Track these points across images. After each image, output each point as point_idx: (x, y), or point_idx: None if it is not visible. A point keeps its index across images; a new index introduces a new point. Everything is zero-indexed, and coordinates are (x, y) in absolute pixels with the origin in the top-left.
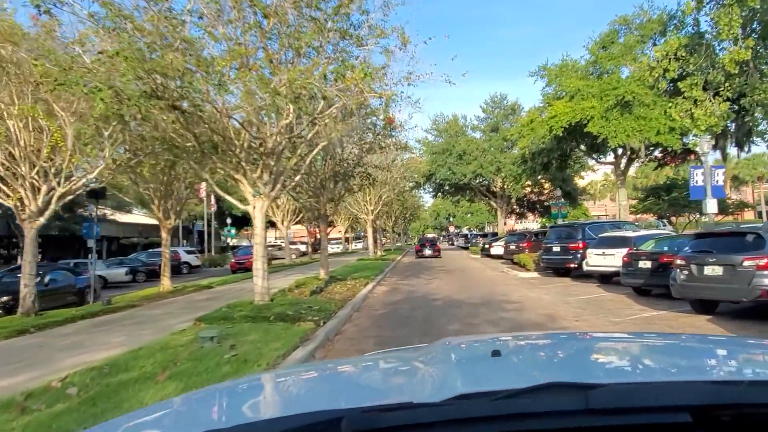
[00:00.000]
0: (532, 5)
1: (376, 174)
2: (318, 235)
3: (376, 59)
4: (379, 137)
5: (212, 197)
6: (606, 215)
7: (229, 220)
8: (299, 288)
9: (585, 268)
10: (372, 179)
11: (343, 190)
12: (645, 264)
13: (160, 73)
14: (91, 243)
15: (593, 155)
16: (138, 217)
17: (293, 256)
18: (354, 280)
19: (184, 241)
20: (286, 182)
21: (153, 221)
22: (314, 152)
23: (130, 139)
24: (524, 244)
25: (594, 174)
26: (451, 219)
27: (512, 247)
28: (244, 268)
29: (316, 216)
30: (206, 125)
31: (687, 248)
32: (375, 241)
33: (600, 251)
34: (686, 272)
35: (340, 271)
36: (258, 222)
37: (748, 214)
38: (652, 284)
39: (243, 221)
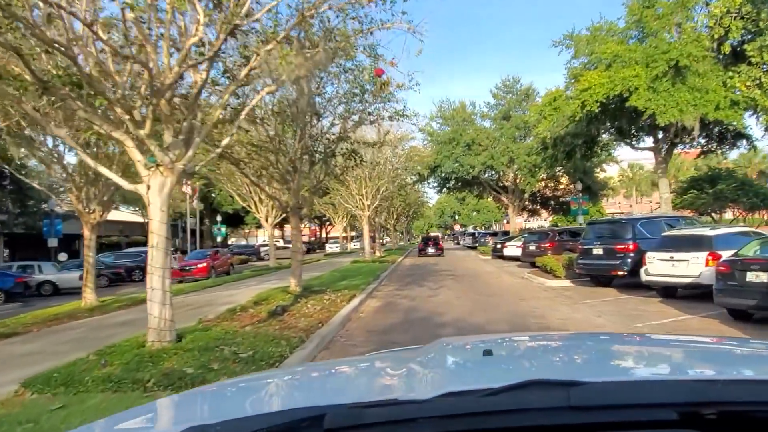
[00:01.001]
0: (536, 5)
1: (366, 152)
2: (319, 234)
3: None
4: (367, 100)
5: (196, 191)
6: (621, 213)
7: (219, 218)
8: (258, 306)
9: (644, 278)
10: (359, 158)
11: (322, 173)
12: (758, 277)
13: None
14: (52, 242)
15: (627, 140)
16: (120, 213)
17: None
18: (336, 292)
19: (178, 241)
20: (215, 147)
21: (136, 218)
22: (255, 100)
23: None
24: (546, 245)
25: (608, 168)
26: (457, 217)
27: (532, 248)
28: (191, 277)
29: (284, 208)
30: (31, 33)
31: None
32: (373, 241)
33: (666, 255)
34: None
35: (326, 277)
36: (155, 210)
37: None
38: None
39: (236, 219)
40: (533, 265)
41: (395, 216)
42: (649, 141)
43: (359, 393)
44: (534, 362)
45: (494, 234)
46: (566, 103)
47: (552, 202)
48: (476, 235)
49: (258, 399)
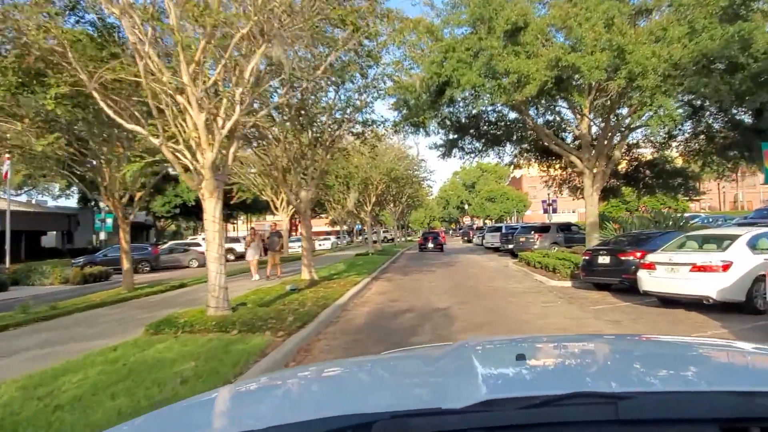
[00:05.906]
0: None
1: None
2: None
3: None
4: None
5: (4, 160)
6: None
7: (102, 203)
8: None
9: None
10: None
11: None
12: None
13: None
14: None
15: None
16: None
17: (230, 258)
18: None
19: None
20: None
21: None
22: None
23: None
24: None
25: None
26: (467, 207)
27: None
28: None
29: None
30: None
31: None
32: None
33: None
34: None
35: None
36: None
37: None
38: None
39: (193, 209)
40: None
41: (373, 198)
42: None
43: (394, 397)
44: (571, 369)
45: (543, 229)
46: None
47: (647, 171)
48: (505, 230)
49: (295, 401)
